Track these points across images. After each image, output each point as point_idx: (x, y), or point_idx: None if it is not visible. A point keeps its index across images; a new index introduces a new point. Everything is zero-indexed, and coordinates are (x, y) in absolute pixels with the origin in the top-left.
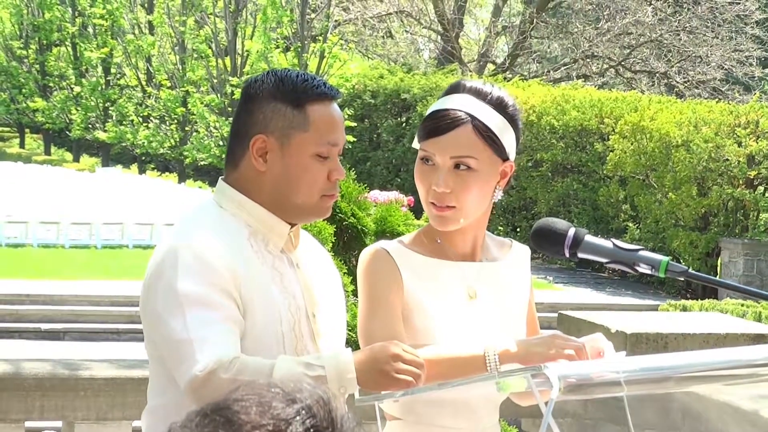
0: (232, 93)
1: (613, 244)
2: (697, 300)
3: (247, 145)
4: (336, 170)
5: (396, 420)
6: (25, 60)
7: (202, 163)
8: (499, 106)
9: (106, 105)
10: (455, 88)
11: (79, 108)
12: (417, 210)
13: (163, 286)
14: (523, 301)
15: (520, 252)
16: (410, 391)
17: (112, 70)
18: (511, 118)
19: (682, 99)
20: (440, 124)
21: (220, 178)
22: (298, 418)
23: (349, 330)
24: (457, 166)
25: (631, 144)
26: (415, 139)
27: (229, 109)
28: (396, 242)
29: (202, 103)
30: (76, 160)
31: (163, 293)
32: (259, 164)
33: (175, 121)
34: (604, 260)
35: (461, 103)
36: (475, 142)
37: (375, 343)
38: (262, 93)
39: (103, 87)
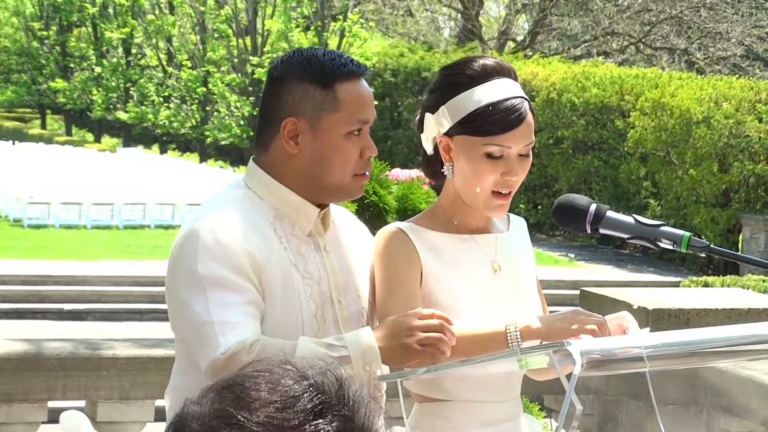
0: (253, 72)
1: (635, 219)
2: (719, 276)
3: (277, 128)
4: (368, 147)
5: (424, 402)
6: (46, 41)
7: (223, 142)
8: (521, 85)
9: (127, 85)
10: (495, 72)
11: (100, 88)
12: (438, 188)
13: (184, 270)
14: (533, 270)
15: (519, 223)
16: (433, 368)
17: (133, 51)
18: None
19: (703, 75)
20: (513, 116)
21: (251, 157)
22: (306, 395)
23: None
24: (523, 153)
25: (652, 121)
26: (458, 131)
27: (250, 88)
28: (409, 222)
29: (222, 82)
30: (98, 140)
31: (185, 277)
32: (291, 147)
33: (196, 101)
34: (625, 236)
35: (514, 89)
36: (533, 126)
37: (390, 317)
38: (288, 74)
39: (124, 67)
